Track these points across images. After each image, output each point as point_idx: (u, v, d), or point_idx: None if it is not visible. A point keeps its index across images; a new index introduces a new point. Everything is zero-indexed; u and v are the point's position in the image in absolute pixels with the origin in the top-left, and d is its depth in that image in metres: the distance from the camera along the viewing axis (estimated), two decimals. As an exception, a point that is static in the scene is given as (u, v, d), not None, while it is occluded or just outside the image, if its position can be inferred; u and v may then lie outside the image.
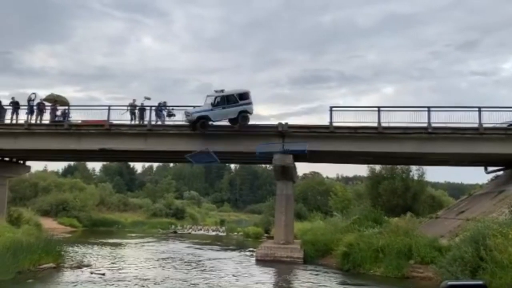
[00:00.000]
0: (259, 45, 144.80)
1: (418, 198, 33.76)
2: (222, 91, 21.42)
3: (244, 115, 21.00)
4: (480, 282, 0.90)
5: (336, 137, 21.23)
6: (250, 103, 21.27)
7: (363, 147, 21.30)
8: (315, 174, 58.65)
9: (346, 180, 68.88)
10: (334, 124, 21.07)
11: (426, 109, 20.73)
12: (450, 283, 0.83)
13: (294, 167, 22.83)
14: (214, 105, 20.43)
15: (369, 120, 21.00)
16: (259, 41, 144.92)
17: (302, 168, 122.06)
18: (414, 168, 34.60)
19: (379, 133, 20.75)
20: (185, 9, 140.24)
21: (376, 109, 21.20)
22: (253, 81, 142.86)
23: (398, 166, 33.86)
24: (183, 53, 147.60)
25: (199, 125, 20.52)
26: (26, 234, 18.55)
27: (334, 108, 21.56)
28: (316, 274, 16.83)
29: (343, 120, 21.23)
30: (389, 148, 21.20)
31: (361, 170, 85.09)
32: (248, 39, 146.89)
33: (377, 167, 35.54)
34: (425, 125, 20.52)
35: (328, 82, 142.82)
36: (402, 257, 16.44)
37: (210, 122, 20.77)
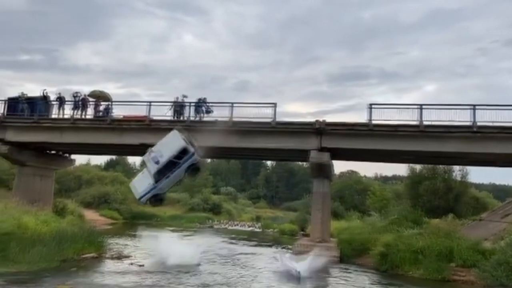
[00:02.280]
0: (298, 42, 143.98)
1: (460, 200, 32.62)
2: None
3: (194, 167, 18.22)
4: None
5: (375, 135, 20.78)
6: (194, 152, 17.87)
7: (403, 146, 20.75)
8: (352, 173, 57.86)
9: (385, 179, 67.53)
10: (373, 122, 20.65)
11: (471, 107, 19.93)
12: None
13: (331, 165, 22.59)
14: (157, 179, 17.40)
15: (410, 118, 20.44)
16: (298, 38, 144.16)
17: (339, 167, 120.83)
18: (456, 168, 33.48)
19: (421, 131, 20.13)
20: (225, 6, 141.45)
21: (418, 106, 20.58)
22: (291, 78, 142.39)
23: (439, 166, 32.81)
24: (222, 50, 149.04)
25: (153, 202, 18.45)
26: (70, 224, 19.35)
27: (373, 106, 21.12)
28: (353, 273, 16.63)
29: (382, 118, 20.79)
30: (431, 147, 20.54)
31: (400, 169, 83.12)
32: (287, 36, 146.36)
33: (418, 167, 34.61)
34: (470, 123, 19.74)
35: (368, 79, 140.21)
36: (442, 259, 16.00)
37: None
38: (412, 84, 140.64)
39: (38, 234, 15.66)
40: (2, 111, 24.22)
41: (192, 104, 22.86)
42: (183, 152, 17.55)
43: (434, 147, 20.52)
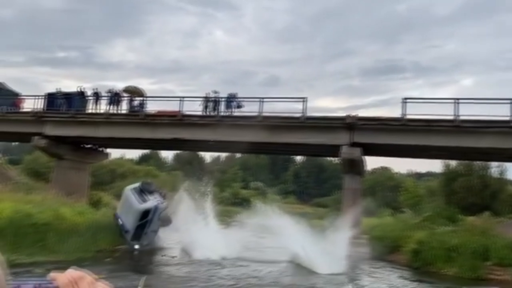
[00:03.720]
0: (329, 36, 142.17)
1: (497, 197, 31.56)
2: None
3: (163, 218, 18.06)
4: None
5: (408, 130, 20.35)
6: (156, 205, 17.54)
7: (437, 141, 20.24)
8: (384, 169, 56.91)
9: (418, 176, 65.99)
10: (407, 117, 20.23)
11: (510, 101, 19.21)
12: None
13: (363, 161, 22.31)
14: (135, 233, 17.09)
15: (445, 112, 19.90)
16: (329, 31, 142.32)
17: (372, 163, 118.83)
18: (494, 164, 32.39)
19: (456, 126, 19.57)
20: (256, 1, 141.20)
21: (453, 101, 20.02)
22: (322, 72, 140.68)
23: (476, 162, 31.84)
24: (252, 45, 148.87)
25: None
26: (104, 216, 19.90)
27: (407, 100, 20.70)
28: (385, 270, 16.43)
29: (417, 112, 20.33)
30: (466, 142, 19.94)
31: (435, 166, 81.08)
32: (318, 29, 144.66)
33: (453, 163, 33.70)
34: (508, 118, 19.04)
35: (403, 73, 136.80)
36: (477, 257, 15.58)
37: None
38: (448, 78, 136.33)
39: (74, 224, 16.20)
40: (41, 107, 25.16)
41: (222, 99, 23.05)
42: (145, 214, 17.21)
43: (469, 142, 19.91)
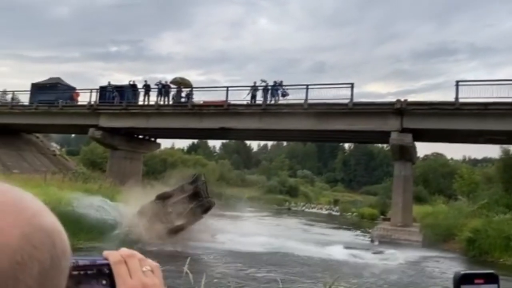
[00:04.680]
0: (378, 19, 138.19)
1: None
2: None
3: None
4: (491, 271, 0.84)
5: (462, 114, 19.46)
6: None
7: (494, 125, 19.20)
8: (437, 155, 54.90)
9: (474, 162, 63.14)
10: (461, 100, 19.35)
11: None
12: (463, 272, 0.81)
13: (414, 147, 21.65)
14: None
15: (502, 95, 18.83)
16: (378, 14, 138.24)
17: (423, 149, 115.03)
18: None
19: (515, 109, 18.50)
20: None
21: (512, 82, 18.90)
22: (370, 57, 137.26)
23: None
24: (297, 32, 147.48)
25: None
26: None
27: (460, 83, 19.78)
28: (438, 259, 15.97)
29: (471, 96, 19.38)
30: (527, 126, 18.84)
31: (492, 151, 77.34)
32: (366, 13, 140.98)
33: (512, 148, 31.92)
34: None
35: (456, 55, 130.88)
36: (539, 247, 14.77)
37: None
38: (506, 58, 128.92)
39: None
40: (95, 100, 26.36)
41: (268, 87, 23.04)
42: None
43: (530, 126, 18.79)
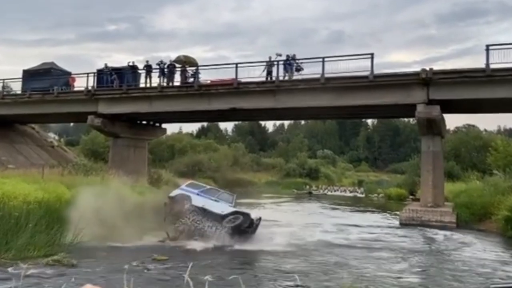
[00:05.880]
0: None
1: None
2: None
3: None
4: None
5: (495, 82, 19.00)
6: None
7: (531, 92, 18.80)
8: (469, 127, 54.13)
9: (510, 132, 62.16)
10: (492, 66, 18.89)
11: None
12: (493, 286, 0.79)
13: (443, 120, 21.32)
14: None
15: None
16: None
17: (454, 121, 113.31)
18: None
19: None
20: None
21: (551, 43, 18.32)
22: (392, 22, 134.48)
23: None
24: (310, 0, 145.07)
25: None
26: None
27: (491, 47, 19.25)
28: (476, 240, 15.84)
29: (505, 61, 18.88)
30: None
31: (530, 120, 76.09)
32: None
33: (553, 116, 31.25)
34: None
35: (485, 16, 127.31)
36: None
37: None
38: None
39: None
40: (92, 84, 26.31)
41: (280, 62, 22.75)
42: None
43: None
